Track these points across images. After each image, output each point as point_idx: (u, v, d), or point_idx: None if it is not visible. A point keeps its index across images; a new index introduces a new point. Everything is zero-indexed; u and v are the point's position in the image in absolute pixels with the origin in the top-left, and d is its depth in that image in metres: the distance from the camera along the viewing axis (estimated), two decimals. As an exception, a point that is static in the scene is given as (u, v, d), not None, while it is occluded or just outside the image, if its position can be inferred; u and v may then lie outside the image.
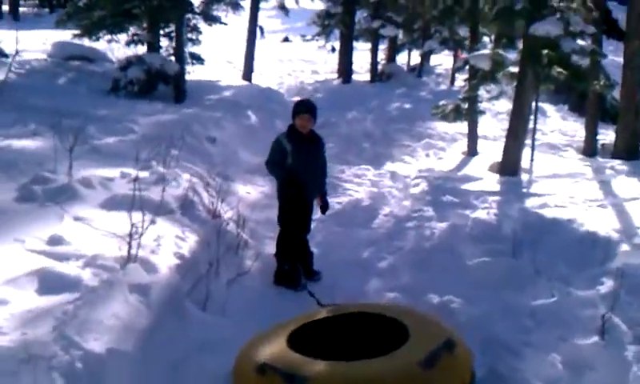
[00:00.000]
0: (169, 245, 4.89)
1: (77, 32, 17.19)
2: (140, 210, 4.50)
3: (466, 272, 5.81)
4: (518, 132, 10.81)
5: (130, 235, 4.31)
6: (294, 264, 5.88)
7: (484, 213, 7.46)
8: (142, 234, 4.41)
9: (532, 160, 11.72)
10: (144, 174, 6.72)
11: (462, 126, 13.09)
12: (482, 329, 4.58)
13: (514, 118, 10.92)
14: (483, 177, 10.12)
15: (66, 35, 18.23)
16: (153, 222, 5.04)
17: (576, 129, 16.50)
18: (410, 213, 7.70)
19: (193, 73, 17.77)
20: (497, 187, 9.30)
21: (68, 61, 17.80)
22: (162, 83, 16.18)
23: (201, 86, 17.04)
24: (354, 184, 9.76)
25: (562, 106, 19.15)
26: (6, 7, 39.31)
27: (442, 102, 12.46)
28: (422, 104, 18.07)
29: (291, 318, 4.15)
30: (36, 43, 21.98)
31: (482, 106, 12.28)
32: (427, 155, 12.45)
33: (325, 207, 6.22)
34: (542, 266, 5.89)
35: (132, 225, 4.33)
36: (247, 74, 20.24)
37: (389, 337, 3.77)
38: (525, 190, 9.31)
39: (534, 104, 11.03)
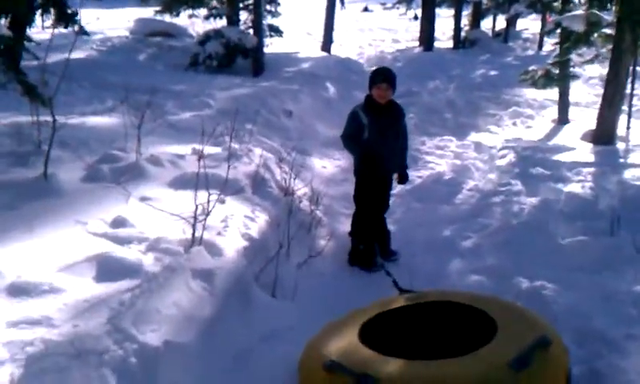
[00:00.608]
0: (237, 225, 4.64)
1: (158, 8, 17.30)
2: (207, 189, 4.28)
3: (559, 253, 5.30)
4: (613, 98, 10.00)
5: (195, 217, 4.08)
6: (370, 244, 5.53)
7: (578, 186, 6.86)
8: (207, 215, 4.17)
9: (629, 128, 10.91)
10: (216, 150, 6.53)
11: (552, 93, 12.32)
12: (579, 319, 4.09)
13: (609, 84, 10.11)
14: (576, 147, 9.42)
15: (149, 12, 18.36)
16: (221, 201, 4.83)
17: (678, 92, 15.31)
18: (496, 187, 7.17)
19: (271, 45, 17.58)
20: (591, 158, 8.62)
21: (149, 37, 17.97)
22: (240, 57, 16.08)
23: (279, 59, 16.81)
24: (435, 156, 9.28)
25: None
26: (92, -13, 40.38)
27: (531, 68, 11.73)
28: (508, 70, 17.25)
29: (365, 306, 3.81)
30: (120, 21, 22.40)
31: (575, 70, 11.42)
32: (514, 124, 11.77)
33: (403, 178, 5.81)
34: (644, 245, 5.32)
35: (196, 206, 4.09)
36: (326, 44, 19.84)
37: (474, 331, 3.37)
38: (622, 161, 8.60)
39: (630, 68, 10.21)
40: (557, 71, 10.97)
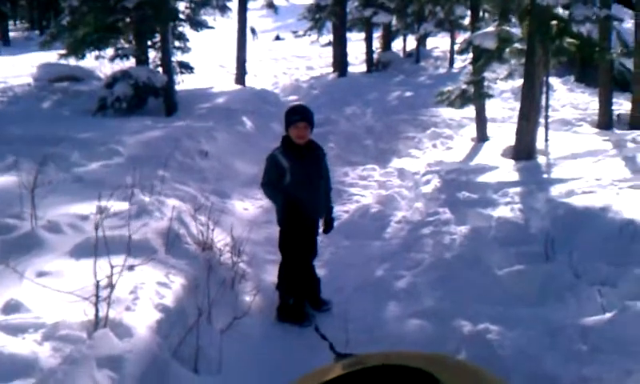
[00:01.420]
0: (149, 295, 4.13)
1: (62, 52, 16.46)
2: (111, 256, 3.79)
3: (497, 285, 5.06)
4: (530, 112, 10.04)
5: (97, 295, 3.58)
6: (299, 296, 5.13)
7: (507, 210, 6.69)
8: (111, 290, 3.67)
9: (547, 140, 10.99)
10: (123, 206, 5.99)
11: (469, 111, 12.33)
12: (529, 363, 3.81)
13: (524, 99, 10.15)
14: (498, 165, 9.34)
15: (54, 56, 17.46)
16: (129, 268, 4.33)
17: (587, 101, 15.72)
18: (425, 217, 6.92)
19: (182, 82, 17.04)
20: (515, 176, 8.53)
21: (55, 82, 17.13)
22: (152, 97, 15.48)
23: (192, 96, 16.32)
24: (359, 187, 9.00)
25: (568, 78, 18.36)
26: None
27: (446, 88, 11.67)
28: (422, 90, 17.35)
29: (298, 380, 3.40)
30: (23, 67, 21.36)
31: (490, 88, 11.44)
32: (434, 146, 11.67)
33: (329, 226, 5.40)
34: (581, 267, 5.14)
35: (97, 282, 3.59)
36: (240, 77, 19.48)
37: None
38: (546, 176, 8.55)
39: (544, 80, 10.29)
40: (472, 90, 10.92)
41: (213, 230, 5.63)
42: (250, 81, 20.22)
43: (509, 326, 4.28)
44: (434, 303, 4.95)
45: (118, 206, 5.98)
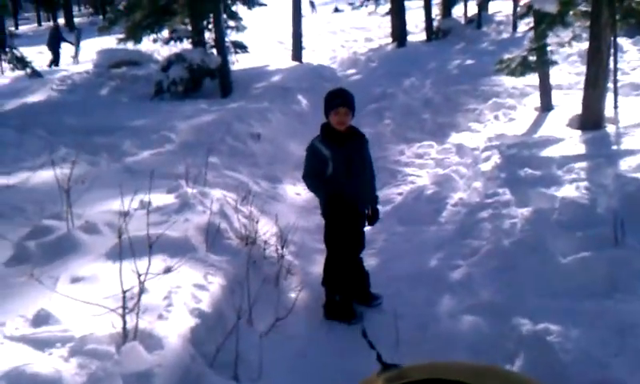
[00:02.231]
0: (184, 300, 3.95)
1: (121, 36, 16.54)
2: (147, 258, 3.62)
3: (560, 276, 4.65)
4: (597, 79, 9.38)
5: (123, 306, 3.40)
6: (346, 293, 4.86)
7: (572, 188, 6.22)
8: (139, 299, 3.49)
9: (616, 107, 10.29)
10: (167, 200, 5.85)
11: (532, 78, 11.66)
12: (594, 370, 3.43)
13: (590, 64, 9.49)
14: (564, 137, 8.78)
15: (113, 42, 17.55)
16: (167, 270, 4.16)
17: (661, 62, 14.70)
18: (483, 198, 6.52)
19: (237, 62, 16.91)
20: (581, 148, 7.97)
21: (113, 68, 17.23)
22: (207, 78, 15.40)
23: (248, 75, 16.18)
24: (415, 167, 8.64)
25: (639, 38, 17.21)
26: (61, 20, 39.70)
27: (506, 56, 11.08)
28: (484, 57, 16.64)
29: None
30: (88, 53, 21.66)
31: (553, 54, 10.77)
32: (496, 117, 11.09)
33: (374, 217, 5.03)
34: (655, 252, 4.70)
35: (123, 293, 3.41)
36: (297, 53, 19.22)
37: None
38: (615, 148, 7.96)
39: (611, 43, 9.60)
40: (534, 57, 10.32)
41: (257, 221, 5.41)
42: (307, 56, 19.93)
43: (572, 324, 3.91)
44: (490, 296, 4.59)
45: (161, 199, 5.85)
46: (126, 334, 3.40)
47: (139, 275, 3.49)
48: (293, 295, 4.91)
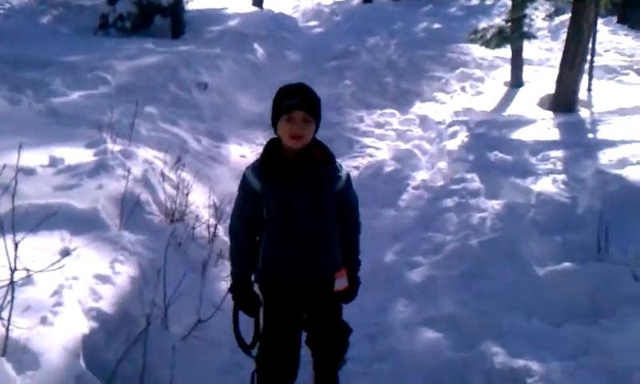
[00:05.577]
0: (79, 296, 3.12)
1: (68, -41, 15.20)
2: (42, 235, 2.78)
3: (537, 289, 3.99)
4: (575, 59, 8.78)
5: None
6: None
7: (549, 182, 5.56)
8: (12, 300, 2.66)
9: (590, 90, 9.75)
10: (84, 157, 4.97)
11: (502, 51, 10.98)
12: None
13: (570, 42, 8.89)
14: (536, 118, 8.17)
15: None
16: (65, 254, 3.33)
17: (633, 46, 14.21)
18: (449, 183, 5.82)
19: (193, 1, 15.75)
20: (556, 134, 7.34)
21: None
22: (159, 16, 14.29)
23: (203, 16, 15.13)
24: (374, 138, 7.88)
25: (610, 19, 16.63)
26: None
27: (481, 26, 10.36)
28: (452, 22, 15.92)
29: None
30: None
31: (531, 26, 10.10)
32: (463, 89, 10.38)
33: (351, 292, 3.13)
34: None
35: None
36: (258, -2, 18.15)
37: None
38: (591, 136, 7.38)
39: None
40: (510, 29, 9.62)
41: (188, 194, 4.58)
42: (268, 3, 18.91)
43: (556, 358, 3.26)
44: (455, 309, 3.90)
45: (76, 155, 4.97)
46: (-10, 346, 2.58)
47: (12, 271, 2.65)
48: (223, 287, 4.10)
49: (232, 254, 3.00)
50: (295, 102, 2.77)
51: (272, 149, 2.86)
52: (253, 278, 2.98)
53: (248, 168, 2.95)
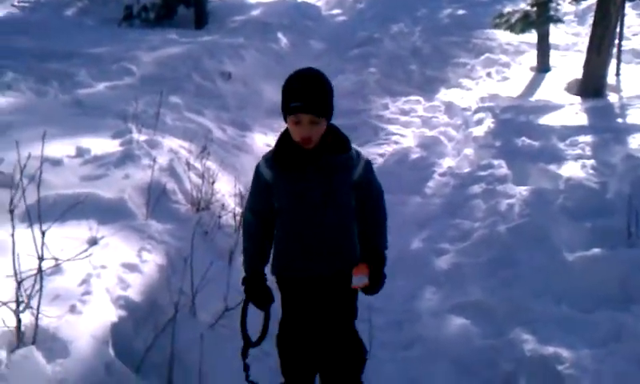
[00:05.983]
0: (107, 285, 3.15)
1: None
2: (72, 224, 2.79)
3: (567, 275, 3.95)
4: (602, 43, 8.63)
5: (17, 300, 2.60)
6: None
7: (577, 167, 5.49)
8: (40, 288, 2.68)
9: (618, 74, 9.57)
10: (111, 147, 5.00)
11: (528, 35, 10.81)
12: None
13: (596, 26, 8.74)
14: (563, 103, 8.04)
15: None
16: (93, 243, 3.36)
17: (662, 30, 13.91)
18: (475, 169, 5.77)
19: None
20: (584, 119, 7.24)
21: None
22: (182, 6, 14.36)
23: (226, 6, 15.17)
24: (399, 125, 7.81)
25: (638, 2, 16.26)
26: None
27: (506, 10, 10.21)
28: (477, 8, 15.66)
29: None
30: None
31: (558, 10, 9.93)
32: (489, 75, 10.25)
33: (375, 285, 2.93)
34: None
35: (18, 283, 2.61)
36: (281, -14, 18.07)
37: None
38: (620, 121, 7.26)
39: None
40: (536, 13, 9.48)
41: (213, 182, 4.59)
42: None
43: (586, 344, 3.23)
44: (483, 296, 3.87)
45: (103, 145, 5.00)
46: (20, 335, 2.61)
47: (41, 259, 2.68)
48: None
49: (245, 247, 2.93)
50: (299, 106, 2.62)
51: (285, 138, 2.78)
52: (268, 270, 2.94)
53: (262, 158, 2.90)
